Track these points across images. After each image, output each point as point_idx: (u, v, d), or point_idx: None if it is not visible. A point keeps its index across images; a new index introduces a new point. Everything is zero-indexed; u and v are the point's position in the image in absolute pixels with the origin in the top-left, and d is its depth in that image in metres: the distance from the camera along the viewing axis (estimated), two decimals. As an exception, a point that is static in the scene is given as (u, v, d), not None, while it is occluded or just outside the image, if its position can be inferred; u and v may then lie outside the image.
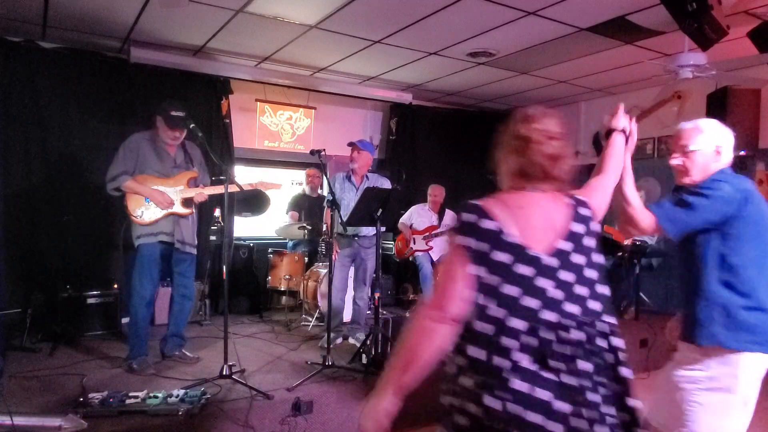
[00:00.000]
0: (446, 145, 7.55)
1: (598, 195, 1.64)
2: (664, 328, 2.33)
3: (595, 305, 1.42)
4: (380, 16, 4.49)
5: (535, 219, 1.44)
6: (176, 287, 4.02)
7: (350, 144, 4.59)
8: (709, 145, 2.02)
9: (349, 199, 4.41)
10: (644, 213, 1.94)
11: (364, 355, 3.88)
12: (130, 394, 2.96)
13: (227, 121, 6.05)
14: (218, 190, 3.80)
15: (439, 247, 5.94)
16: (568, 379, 1.33)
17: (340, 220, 4.16)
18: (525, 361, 1.33)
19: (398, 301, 6.51)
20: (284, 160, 6.84)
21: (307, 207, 6.15)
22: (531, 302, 1.36)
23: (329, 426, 3.26)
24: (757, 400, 1.95)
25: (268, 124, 6.65)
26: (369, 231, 4.45)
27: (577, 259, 1.43)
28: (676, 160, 2.09)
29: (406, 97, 7.00)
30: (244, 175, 5.97)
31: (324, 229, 4.95)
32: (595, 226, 1.50)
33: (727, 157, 2.04)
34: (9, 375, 3.51)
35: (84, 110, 5.27)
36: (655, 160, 6.74)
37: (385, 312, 5.28)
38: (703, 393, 1.89)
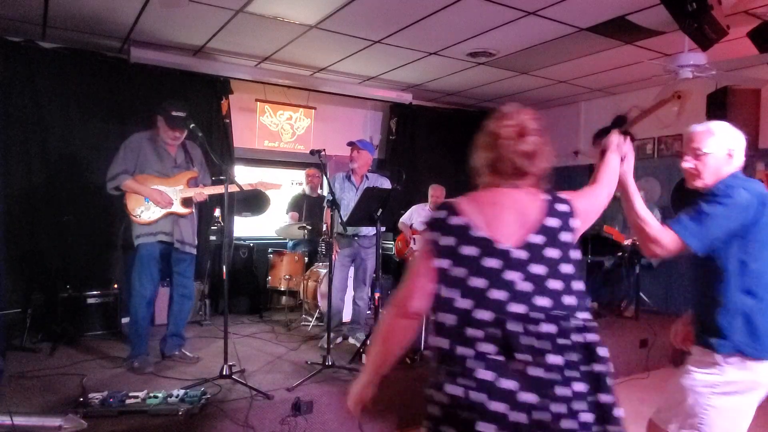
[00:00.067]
0: (446, 145, 7.55)
1: (586, 198, 1.63)
2: (668, 330, 2.31)
3: (570, 300, 1.42)
4: (380, 16, 4.49)
5: (505, 214, 1.47)
6: (175, 287, 4.02)
7: (350, 144, 4.59)
8: (722, 148, 2.00)
9: (349, 199, 4.41)
10: (665, 232, 1.90)
11: (364, 355, 3.88)
12: (130, 394, 2.96)
13: (227, 121, 6.05)
14: (218, 190, 3.80)
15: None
16: (535, 371, 1.33)
17: (340, 220, 4.16)
18: (490, 351, 1.36)
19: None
20: (284, 160, 6.85)
21: (307, 207, 6.15)
22: (498, 294, 1.38)
23: (329, 426, 3.26)
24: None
25: (268, 124, 6.66)
26: (369, 231, 4.45)
27: (551, 253, 1.43)
28: (688, 164, 2.06)
29: (406, 97, 7.00)
30: (244, 175, 5.98)
31: (324, 229, 4.95)
32: (575, 223, 1.49)
33: (739, 160, 2.02)
34: (9, 375, 3.51)
35: (84, 110, 5.27)
36: (655, 160, 6.74)
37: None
38: (718, 397, 1.89)
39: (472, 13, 4.38)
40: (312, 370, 3.64)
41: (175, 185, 3.83)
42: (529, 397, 1.31)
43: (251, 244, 6.15)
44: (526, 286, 1.39)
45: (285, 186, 5.46)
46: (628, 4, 4.14)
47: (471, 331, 1.38)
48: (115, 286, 4.89)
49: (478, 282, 1.40)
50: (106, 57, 5.44)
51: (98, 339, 4.58)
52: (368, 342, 3.87)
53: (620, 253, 5.73)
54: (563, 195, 1.55)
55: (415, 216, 6.11)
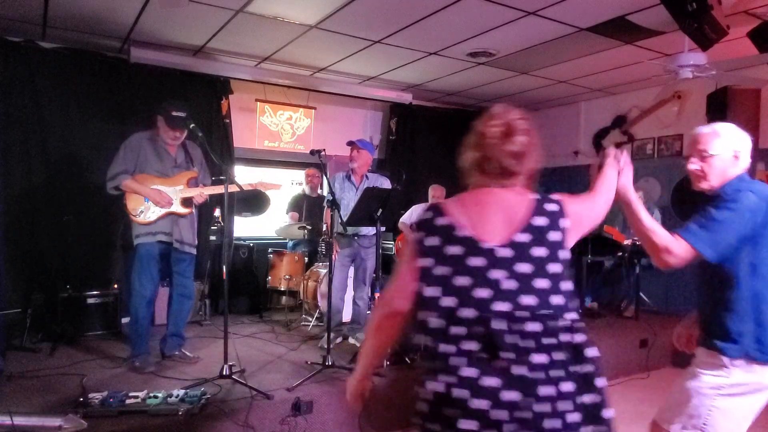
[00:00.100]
0: (446, 145, 7.54)
1: (580, 202, 1.60)
2: (669, 330, 2.31)
3: (557, 300, 1.41)
4: (380, 16, 4.49)
5: (491, 213, 1.48)
6: (175, 287, 4.02)
7: (349, 143, 4.59)
8: (728, 150, 1.99)
9: (348, 199, 4.41)
10: (676, 241, 1.87)
11: (363, 355, 3.88)
12: (130, 394, 2.96)
13: (227, 121, 6.05)
14: (218, 190, 3.80)
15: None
16: (519, 370, 1.33)
17: (340, 220, 4.16)
18: (474, 349, 1.37)
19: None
20: (284, 160, 6.85)
21: (307, 207, 6.15)
22: (482, 292, 1.39)
23: (329, 426, 3.26)
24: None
25: (268, 124, 6.66)
26: (369, 231, 4.45)
27: (538, 251, 1.43)
28: (693, 165, 2.04)
29: (406, 97, 7.01)
30: (244, 175, 5.98)
31: (324, 229, 4.95)
32: (564, 223, 1.48)
33: (745, 161, 2.01)
34: (9, 375, 3.51)
35: (84, 110, 5.27)
36: (655, 160, 6.74)
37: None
38: (723, 398, 1.89)
39: (472, 13, 4.38)
40: (312, 370, 3.64)
41: (174, 185, 3.83)
42: (512, 395, 1.32)
43: (251, 244, 6.15)
44: (511, 285, 1.39)
45: (285, 186, 5.47)
46: (628, 4, 4.14)
47: (455, 329, 1.39)
48: (115, 286, 4.88)
49: (462, 280, 1.41)
50: (106, 57, 5.44)
51: (98, 339, 4.58)
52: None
53: (620, 253, 5.73)
54: (555, 196, 1.54)
55: (415, 216, 6.09)
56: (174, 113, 3.72)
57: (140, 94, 5.44)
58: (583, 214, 1.58)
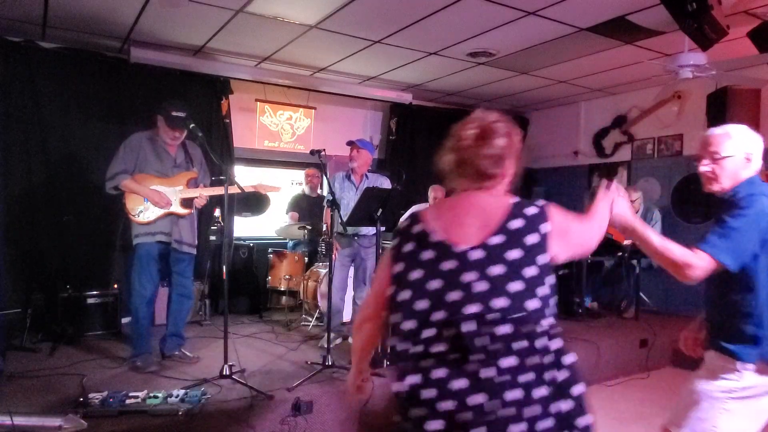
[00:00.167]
0: (446, 145, 7.55)
1: (571, 217, 1.57)
2: (669, 330, 2.30)
3: (533, 304, 1.39)
4: (380, 16, 4.49)
5: (465, 217, 1.48)
6: (174, 287, 4.02)
7: (349, 143, 4.59)
8: (740, 152, 1.96)
9: (348, 199, 4.41)
10: (696, 255, 1.83)
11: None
12: (130, 394, 2.96)
13: (227, 121, 6.05)
14: (217, 191, 3.80)
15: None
16: (486, 372, 1.33)
17: (340, 220, 4.16)
18: (443, 350, 1.37)
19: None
20: (284, 160, 6.85)
21: (307, 207, 6.15)
22: (454, 295, 1.39)
23: (329, 426, 3.26)
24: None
25: (268, 124, 6.66)
26: (369, 231, 4.45)
27: (512, 254, 1.41)
28: (705, 167, 2.02)
29: (406, 97, 7.00)
30: (244, 175, 5.98)
31: (324, 229, 4.95)
32: (545, 227, 1.45)
33: (757, 164, 1.98)
34: (9, 375, 3.51)
35: (84, 110, 5.27)
36: (655, 160, 6.74)
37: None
38: (735, 401, 1.88)
39: (472, 13, 4.38)
40: (312, 370, 3.64)
41: (174, 185, 3.83)
42: (478, 398, 1.32)
43: (251, 244, 6.15)
44: (482, 287, 1.38)
45: (284, 187, 5.47)
46: (628, 4, 4.14)
47: (426, 332, 1.40)
48: (115, 286, 4.88)
49: (434, 284, 1.42)
50: (106, 57, 5.44)
51: (98, 339, 4.58)
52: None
53: (620, 253, 5.73)
54: (540, 201, 1.53)
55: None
56: (174, 113, 3.72)
57: (140, 94, 5.44)
58: (570, 228, 1.54)
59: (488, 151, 1.48)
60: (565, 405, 1.37)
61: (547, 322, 1.41)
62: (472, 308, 1.37)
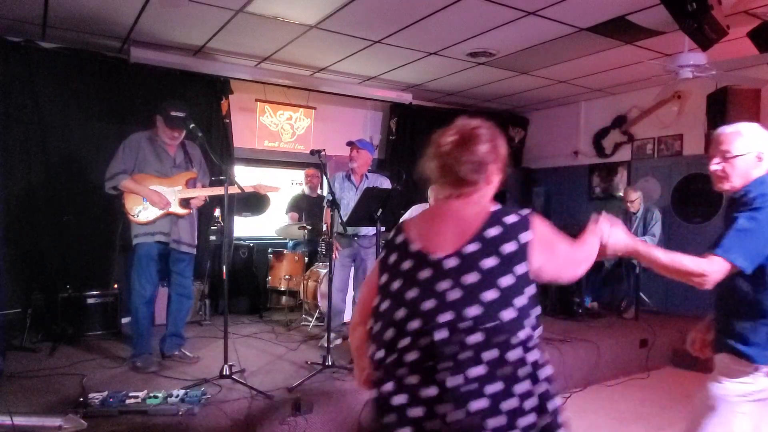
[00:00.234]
0: (446, 145, 7.55)
1: (559, 235, 1.54)
2: (669, 330, 2.28)
3: (508, 314, 1.35)
4: (380, 16, 4.49)
5: (442, 225, 1.48)
6: (174, 287, 4.01)
7: (349, 143, 4.59)
8: (751, 151, 1.92)
9: (348, 199, 4.41)
10: (709, 261, 1.81)
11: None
12: (130, 394, 2.96)
13: (227, 121, 6.05)
14: (217, 191, 3.80)
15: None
16: (453, 381, 1.31)
17: (340, 220, 4.16)
18: (416, 359, 1.37)
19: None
20: (284, 160, 6.85)
21: (307, 207, 6.15)
22: (428, 304, 1.39)
23: (329, 426, 3.26)
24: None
25: (268, 124, 6.66)
26: (369, 231, 4.45)
27: (487, 262, 1.38)
28: (716, 166, 1.98)
29: (406, 97, 7.00)
30: (244, 175, 5.98)
31: (324, 229, 4.95)
32: (525, 236, 1.42)
33: None
34: (9, 375, 3.51)
35: (84, 110, 5.27)
36: (655, 160, 6.74)
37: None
38: (751, 404, 1.86)
39: (472, 13, 4.38)
40: (312, 370, 3.64)
41: (173, 185, 3.83)
42: (445, 406, 1.31)
43: (251, 244, 6.15)
44: (455, 295, 1.37)
45: (284, 187, 5.47)
46: (628, 4, 4.14)
47: (402, 341, 1.40)
48: (116, 286, 4.88)
49: (411, 293, 1.42)
50: (106, 57, 5.44)
51: (98, 339, 4.58)
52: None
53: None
54: (524, 210, 1.49)
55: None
56: (173, 113, 3.72)
57: (140, 94, 5.44)
58: (556, 243, 1.51)
59: (468, 158, 1.47)
60: (540, 420, 1.35)
61: (524, 333, 1.37)
62: (445, 317, 1.36)
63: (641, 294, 6.03)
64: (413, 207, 6.18)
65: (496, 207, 1.49)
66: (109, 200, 3.98)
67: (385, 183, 4.54)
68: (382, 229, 3.98)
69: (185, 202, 3.85)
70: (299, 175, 6.73)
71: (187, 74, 5.70)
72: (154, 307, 4.35)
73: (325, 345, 3.90)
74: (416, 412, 1.34)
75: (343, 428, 3.30)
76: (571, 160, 7.70)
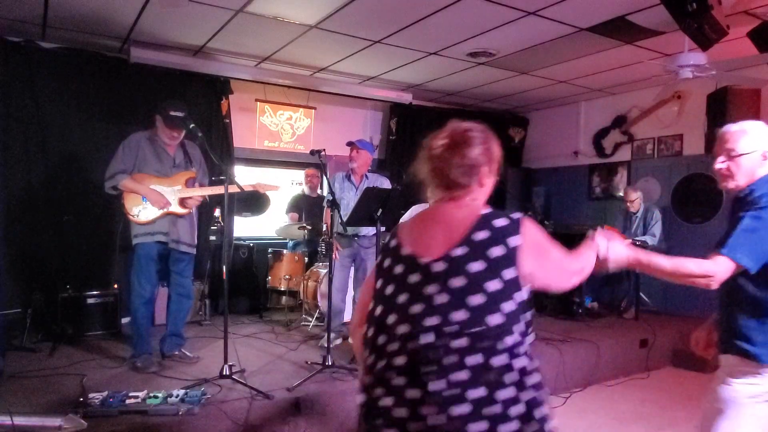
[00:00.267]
0: (446, 145, 7.54)
1: (553, 242, 1.51)
2: (669, 330, 2.27)
3: (495, 319, 1.34)
4: (380, 16, 4.49)
5: (432, 229, 1.47)
6: (173, 287, 4.01)
7: (349, 143, 4.59)
8: (756, 149, 1.91)
9: (348, 199, 4.41)
10: (714, 262, 1.79)
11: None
12: (130, 394, 2.96)
13: (227, 121, 6.05)
14: (216, 190, 3.80)
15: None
16: (436, 385, 1.31)
17: (340, 220, 4.16)
18: (403, 363, 1.37)
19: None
20: (284, 160, 6.85)
21: (307, 207, 6.15)
22: (416, 308, 1.39)
23: (329, 426, 3.26)
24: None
25: (268, 124, 6.66)
26: (369, 231, 4.45)
27: (475, 266, 1.37)
28: (721, 164, 1.95)
29: (406, 97, 7.00)
30: (244, 175, 5.98)
31: (324, 229, 4.95)
32: (514, 240, 1.39)
33: None
34: (9, 375, 3.51)
35: (84, 110, 5.27)
36: (655, 160, 6.74)
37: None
38: (760, 405, 1.85)
39: (472, 13, 4.38)
40: (312, 370, 3.64)
41: (173, 185, 3.83)
42: (428, 409, 1.32)
43: (251, 244, 6.15)
44: (442, 299, 1.37)
45: (284, 187, 5.47)
46: (628, 4, 4.14)
47: (391, 345, 1.40)
48: (116, 286, 4.88)
49: (402, 298, 1.43)
50: (106, 57, 5.44)
51: (98, 339, 4.58)
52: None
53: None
54: (516, 214, 1.47)
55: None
56: (172, 113, 3.71)
57: (140, 94, 5.44)
58: (549, 250, 1.47)
59: (459, 161, 1.46)
60: (524, 426, 1.33)
61: (512, 339, 1.35)
62: (432, 320, 1.36)
63: (641, 294, 6.03)
64: (413, 207, 6.20)
65: (486, 210, 1.47)
66: (109, 200, 3.99)
67: (385, 183, 4.54)
68: (382, 229, 3.98)
69: (185, 202, 3.85)
70: (299, 175, 6.73)
71: (187, 74, 5.70)
72: (154, 307, 4.36)
73: (325, 345, 3.89)
74: (401, 412, 1.35)
75: (343, 428, 3.30)
76: (571, 160, 7.70)
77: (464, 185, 1.48)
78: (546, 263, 1.46)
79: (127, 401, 2.89)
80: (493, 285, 1.36)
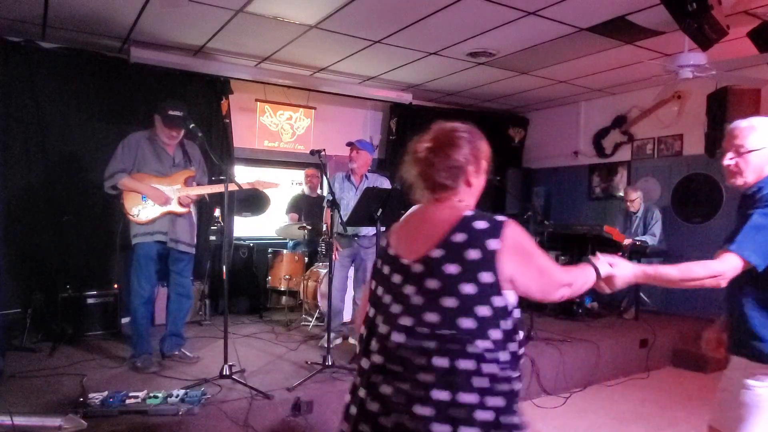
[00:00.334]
0: (446, 145, 7.54)
1: (540, 250, 1.47)
2: (669, 330, 2.26)
3: (467, 323, 1.33)
4: (380, 16, 4.49)
5: (415, 229, 1.49)
6: (173, 286, 4.01)
7: (349, 144, 4.59)
8: (765, 146, 1.88)
9: (348, 199, 4.41)
10: (722, 261, 1.77)
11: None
12: (130, 394, 2.96)
13: (227, 121, 6.05)
14: (216, 189, 3.80)
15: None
16: (403, 385, 1.35)
17: (340, 220, 4.16)
18: (379, 362, 1.42)
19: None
20: (284, 160, 6.85)
21: (307, 207, 6.16)
22: (396, 308, 1.41)
23: (329, 426, 3.26)
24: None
25: (268, 124, 6.66)
26: (369, 231, 4.45)
27: (450, 268, 1.36)
28: (729, 161, 1.93)
29: (406, 97, 7.00)
30: (244, 175, 5.97)
31: (324, 229, 4.95)
32: (492, 243, 1.36)
33: None
34: (9, 375, 3.51)
35: (84, 110, 5.27)
36: (655, 160, 6.74)
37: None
38: None
39: (472, 13, 4.38)
40: (312, 370, 3.64)
41: (172, 184, 3.82)
42: (396, 407, 1.35)
43: (251, 244, 6.15)
44: (418, 300, 1.38)
45: (284, 185, 5.46)
46: (628, 4, 4.14)
47: (373, 344, 1.45)
48: (116, 286, 4.88)
49: (387, 298, 1.45)
50: (106, 57, 5.44)
51: (98, 339, 4.58)
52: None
53: (620, 253, 5.72)
54: (500, 217, 1.42)
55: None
56: (170, 112, 3.71)
57: (140, 94, 5.44)
58: (534, 255, 1.42)
59: (444, 163, 1.46)
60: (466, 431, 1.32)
61: (484, 344, 1.33)
62: (406, 321, 1.38)
63: (641, 294, 6.03)
64: (414, 207, 6.20)
65: (469, 212, 1.43)
66: (109, 200, 3.99)
67: (385, 183, 4.54)
68: (382, 229, 3.98)
69: (182, 201, 3.85)
70: (299, 175, 6.73)
71: (187, 74, 5.70)
72: (154, 307, 4.36)
73: (325, 345, 3.89)
74: (373, 407, 1.40)
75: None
76: (571, 160, 7.70)
77: (449, 187, 1.48)
78: (528, 269, 1.41)
79: (127, 401, 2.89)
80: (468, 288, 1.35)
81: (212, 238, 5.53)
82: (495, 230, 1.38)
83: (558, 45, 5.08)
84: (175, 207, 3.81)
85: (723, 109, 5.09)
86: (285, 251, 5.85)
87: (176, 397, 2.95)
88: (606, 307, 6.16)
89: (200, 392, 3.05)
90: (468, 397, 1.31)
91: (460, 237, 1.38)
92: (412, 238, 1.48)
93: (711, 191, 6.02)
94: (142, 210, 3.74)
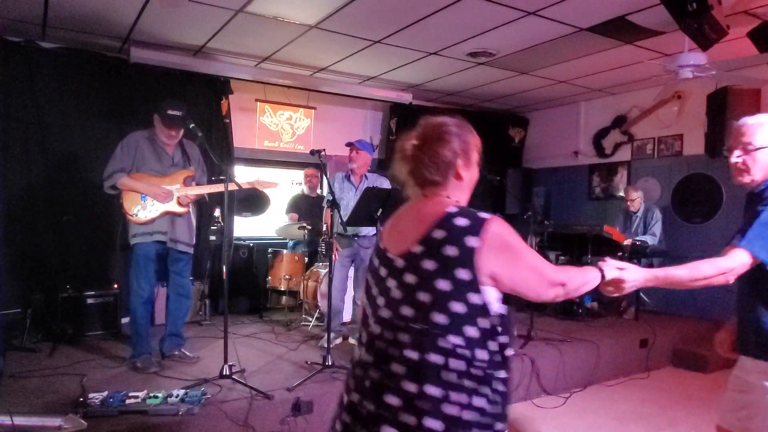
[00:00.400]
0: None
1: (529, 248, 1.45)
2: (668, 330, 2.24)
3: (439, 318, 1.34)
4: (380, 16, 4.49)
5: (402, 224, 1.51)
6: (172, 286, 4.01)
7: (348, 144, 4.59)
8: None
9: (348, 199, 4.41)
10: (730, 257, 1.76)
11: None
12: (130, 394, 2.96)
13: (227, 121, 6.05)
14: (215, 188, 3.80)
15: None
16: (376, 374, 1.41)
17: (340, 220, 4.16)
18: (363, 353, 1.48)
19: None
20: (284, 160, 6.85)
21: (306, 207, 6.16)
22: (380, 300, 1.47)
23: (329, 426, 3.26)
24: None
25: (268, 124, 6.66)
26: (369, 231, 4.45)
27: (427, 264, 1.37)
28: (736, 158, 1.91)
29: (406, 97, 7.01)
30: (244, 175, 5.97)
31: (324, 229, 4.95)
32: (471, 241, 1.34)
33: None
34: (9, 375, 3.51)
35: (84, 110, 5.27)
36: (655, 160, 6.74)
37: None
38: None
39: (472, 13, 4.38)
40: (312, 370, 3.64)
41: (171, 184, 3.82)
42: (371, 396, 1.41)
43: (251, 244, 6.15)
44: (397, 294, 1.42)
45: (284, 185, 5.46)
46: (628, 4, 4.14)
47: (363, 335, 1.51)
48: (116, 286, 4.88)
49: (375, 290, 1.51)
50: (106, 57, 5.44)
51: (98, 339, 4.58)
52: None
53: (620, 253, 5.73)
54: (483, 215, 1.40)
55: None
56: (169, 111, 3.71)
57: (140, 94, 5.44)
58: (517, 252, 1.38)
59: (431, 159, 1.46)
60: (452, 428, 1.32)
61: (456, 340, 1.33)
62: (385, 313, 1.44)
63: (641, 294, 6.03)
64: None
65: (453, 208, 1.42)
66: (109, 200, 3.98)
67: (385, 183, 4.53)
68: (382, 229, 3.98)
69: (183, 200, 3.85)
70: (299, 175, 6.73)
71: (187, 74, 5.70)
72: (153, 307, 4.35)
73: (325, 345, 3.89)
74: (354, 397, 1.46)
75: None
76: (571, 160, 7.70)
77: (437, 182, 1.48)
78: (513, 267, 1.38)
79: (127, 401, 2.89)
80: (443, 284, 1.35)
81: (212, 238, 5.53)
82: (475, 228, 1.36)
83: (558, 45, 5.08)
84: (174, 207, 3.81)
85: (723, 109, 5.09)
86: (285, 251, 5.85)
87: (176, 397, 2.95)
88: (606, 307, 6.15)
89: (200, 392, 3.05)
90: (434, 390, 1.33)
91: (439, 234, 1.39)
92: (399, 233, 1.50)
93: (711, 191, 6.02)
94: (142, 210, 3.74)
